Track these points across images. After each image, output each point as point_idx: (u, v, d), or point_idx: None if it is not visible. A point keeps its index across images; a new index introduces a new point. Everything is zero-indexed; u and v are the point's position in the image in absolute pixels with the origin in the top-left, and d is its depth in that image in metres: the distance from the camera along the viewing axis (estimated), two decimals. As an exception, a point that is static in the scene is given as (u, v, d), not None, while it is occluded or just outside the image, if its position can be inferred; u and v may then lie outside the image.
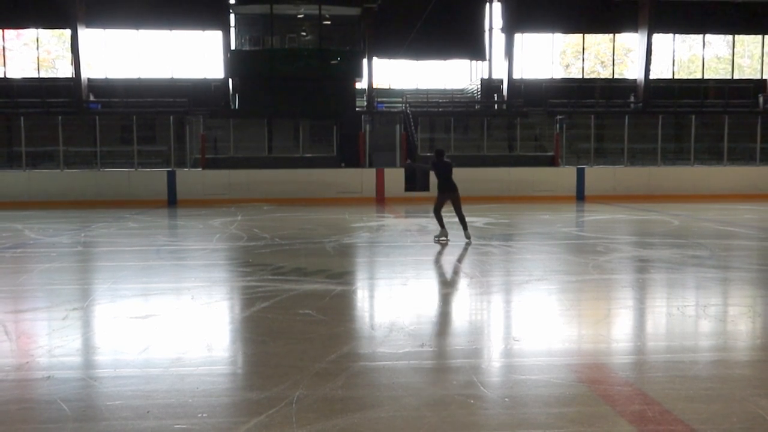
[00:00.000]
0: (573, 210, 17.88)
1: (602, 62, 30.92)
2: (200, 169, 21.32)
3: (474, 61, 29.91)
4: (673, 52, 29.59)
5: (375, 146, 22.41)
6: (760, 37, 29.24)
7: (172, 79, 27.48)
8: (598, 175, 21.64)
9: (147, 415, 3.67)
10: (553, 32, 29.03)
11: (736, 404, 3.81)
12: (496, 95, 28.58)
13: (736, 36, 29.68)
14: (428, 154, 22.67)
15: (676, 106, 27.03)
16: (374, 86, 27.85)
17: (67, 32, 26.72)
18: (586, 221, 15.17)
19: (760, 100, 28.10)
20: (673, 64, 29.63)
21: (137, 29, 27.43)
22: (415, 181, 21.41)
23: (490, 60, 28.86)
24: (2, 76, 27.44)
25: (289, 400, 3.86)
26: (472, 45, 28.55)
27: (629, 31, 28.43)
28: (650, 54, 27.60)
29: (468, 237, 10.80)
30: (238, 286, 7.55)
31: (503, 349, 5.07)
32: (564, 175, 21.59)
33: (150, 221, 15.26)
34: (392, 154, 22.23)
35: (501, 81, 28.30)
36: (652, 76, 27.94)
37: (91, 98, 26.38)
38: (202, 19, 26.90)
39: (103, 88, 26.90)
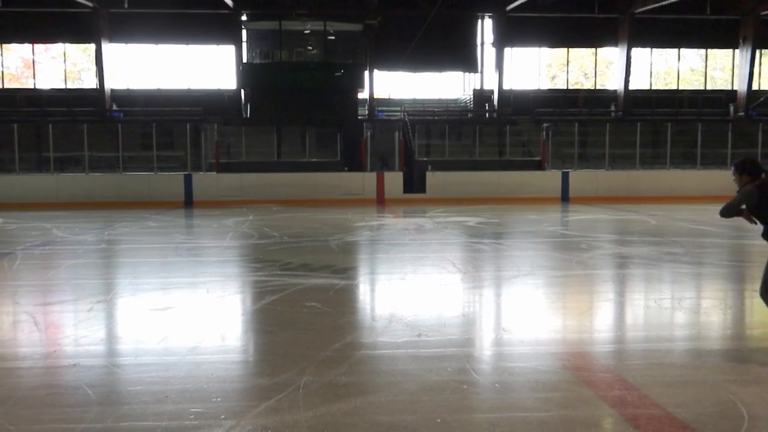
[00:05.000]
0: (558, 210, 17.87)
1: (585, 74, 30.89)
2: (215, 172, 21.30)
3: (467, 73, 29.87)
4: (651, 64, 29.55)
5: (375, 151, 22.41)
6: (731, 51, 29.19)
7: (188, 89, 27.46)
8: (582, 179, 21.62)
9: (165, 400, 3.67)
10: (539, 46, 29.00)
11: (709, 389, 3.81)
12: (487, 104, 28.55)
13: (709, 50, 29.66)
14: (425, 158, 22.67)
15: (654, 115, 27.00)
16: (375, 96, 27.81)
17: (92, 46, 26.69)
18: (570, 221, 15.16)
19: (731, 109, 28.07)
20: (651, 76, 29.59)
21: (156, 44, 27.42)
22: (412, 184, 21.42)
23: (481, 72, 28.84)
24: (32, 87, 27.44)
25: (297, 385, 3.86)
26: (465, 58, 28.54)
27: (610, 46, 28.40)
28: (629, 66, 27.58)
29: None
30: (250, 280, 7.54)
31: (494, 338, 5.07)
32: (550, 179, 21.57)
33: (168, 221, 15.25)
34: (391, 158, 22.24)
35: (492, 91, 28.27)
36: (631, 87, 27.90)
37: (114, 107, 26.35)
38: (216, 35, 26.88)
39: (125, 98, 26.88)
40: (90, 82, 28.33)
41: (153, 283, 7.49)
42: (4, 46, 27.45)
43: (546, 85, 29.82)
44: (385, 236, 11.97)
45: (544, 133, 23.02)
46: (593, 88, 29.41)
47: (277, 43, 25.21)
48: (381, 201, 20.74)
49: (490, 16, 28.02)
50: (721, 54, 30.04)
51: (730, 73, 29.55)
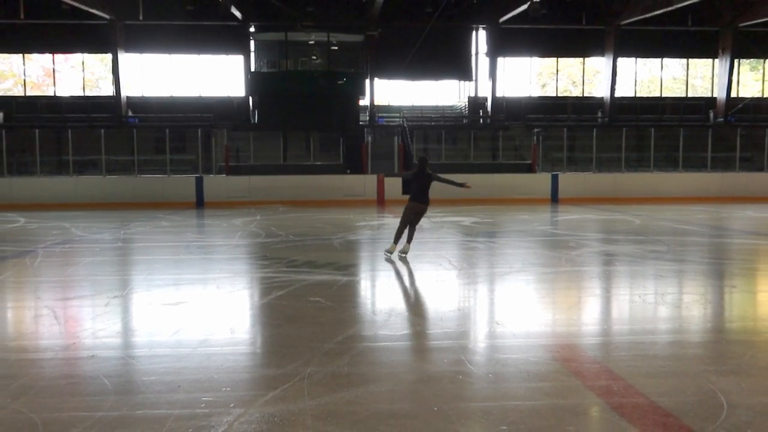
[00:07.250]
0: (548, 211, 17.87)
1: (574, 82, 30.89)
2: (224, 175, 21.29)
3: (462, 82, 29.86)
4: (635, 73, 29.55)
5: (376, 155, 22.40)
6: (710, 60, 29.21)
7: (199, 97, 27.46)
8: (570, 181, 21.62)
9: (178, 389, 3.68)
10: (531, 56, 28.99)
11: (690, 379, 3.81)
12: (481, 111, 28.56)
13: (690, 60, 29.66)
14: (422, 162, 22.62)
15: (638, 121, 26.99)
16: (375, 103, 27.81)
17: (109, 56, 26.67)
18: (559, 220, 15.16)
19: (711, 115, 28.08)
20: (635, 84, 29.59)
21: (170, 54, 27.42)
22: (411, 186, 21.37)
23: (476, 80, 28.84)
24: (53, 94, 27.44)
25: (302, 376, 3.86)
26: (460, 67, 28.54)
27: (597, 56, 28.40)
28: (615, 75, 27.57)
29: (405, 251, 8.93)
30: (257, 277, 7.54)
31: (487, 331, 5.07)
32: (540, 181, 21.57)
33: (180, 221, 15.24)
34: (391, 162, 22.24)
35: (485, 99, 28.28)
36: (616, 95, 27.90)
37: (130, 114, 26.35)
38: (225, 45, 26.89)
39: (140, 105, 26.88)
40: (107, 90, 28.33)
41: (166, 279, 7.49)
42: (26, 56, 27.48)
43: (536, 92, 29.81)
44: (385, 235, 11.96)
45: (534, 137, 23.02)
46: (581, 95, 29.39)
47: (283, 53, 25.22)
48: (381, 202, 20.74)
49: (484, 28, 28.03)
50: (702, 63, 30.05)
51: (710, 81, 29.56)
